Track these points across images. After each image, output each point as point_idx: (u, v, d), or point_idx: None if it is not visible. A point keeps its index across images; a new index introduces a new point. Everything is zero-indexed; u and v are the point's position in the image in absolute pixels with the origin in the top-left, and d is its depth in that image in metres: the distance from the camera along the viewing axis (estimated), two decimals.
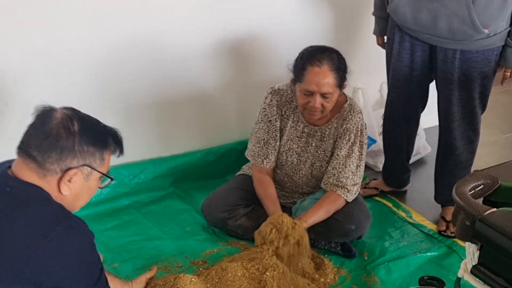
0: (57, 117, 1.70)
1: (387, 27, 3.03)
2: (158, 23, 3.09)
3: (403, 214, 3.29)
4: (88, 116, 1.80)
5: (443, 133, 3.07)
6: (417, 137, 3.64)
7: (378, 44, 3.21)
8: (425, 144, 3.87)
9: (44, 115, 1.71)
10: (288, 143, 2.89)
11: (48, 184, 1.69)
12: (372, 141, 3.69)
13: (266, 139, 2.88)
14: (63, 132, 1.68)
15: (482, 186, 1.64)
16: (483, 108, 2.97)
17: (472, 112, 2.93)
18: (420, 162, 3.85)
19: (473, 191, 1.63)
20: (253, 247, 2.71)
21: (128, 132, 3.21)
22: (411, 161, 3.66)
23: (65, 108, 1.75)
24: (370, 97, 3.80)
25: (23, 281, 1.61)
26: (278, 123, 2.87)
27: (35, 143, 1.68)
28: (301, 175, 2.95)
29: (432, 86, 3.06)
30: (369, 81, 3.75)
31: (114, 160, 3.15)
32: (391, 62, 3.05)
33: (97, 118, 1.82)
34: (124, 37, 3.05)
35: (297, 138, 2.88)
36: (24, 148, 1.69)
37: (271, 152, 2.89)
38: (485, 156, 3.85)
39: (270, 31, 3.41)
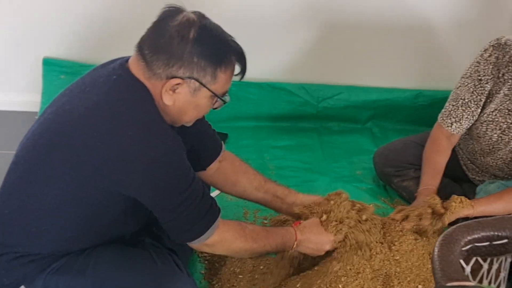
0: (178, 19, 1.55)
1: None
2: None
3: None
4: (215, 26, 1.59)
5: None
6: None
7: None
8: None
9: (169, 14, 1.58)
10: (493, 113, 2.24)
11: (152, 87, 1.58)
12: None
13: (467, 100, 2.27)
14: (176, 36, 1.53)
15: (506, 240, 0.99)
16: None
17: None
18: None
19: (487, 243, 0.98)
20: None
21: (323, 50, 2.97)
22: None
23: (193, 12, 1.58)
24: None
25: (86, 172, 1.54)
26: (489, 86, 2.23)
27: (149, 41, 1.57)
28: (497, 156, 2.29)
29: None
30: None
31: (302, 75, 2.96)
32: None
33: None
34: None
35: (507, 111, 2.21)
36: (141, 44, 1.59)
37: (467, 118, 2.28)
38: None
39: None
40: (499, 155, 2.29)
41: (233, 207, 2.42)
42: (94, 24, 2.83)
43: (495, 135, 2.26)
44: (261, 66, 2.79)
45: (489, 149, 2.31)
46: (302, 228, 1.88)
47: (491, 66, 2.21)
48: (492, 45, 2.21)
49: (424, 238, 2.13)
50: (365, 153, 2.83)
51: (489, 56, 2.21)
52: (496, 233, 1.03)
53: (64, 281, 1.67)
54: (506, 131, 2.24)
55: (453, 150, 2.43)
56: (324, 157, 2.81)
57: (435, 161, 2.31)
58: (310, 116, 2.98)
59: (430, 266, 2.09)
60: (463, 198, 2.13)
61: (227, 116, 2.81)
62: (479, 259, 1.06)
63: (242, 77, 1.65)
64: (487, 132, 2.28)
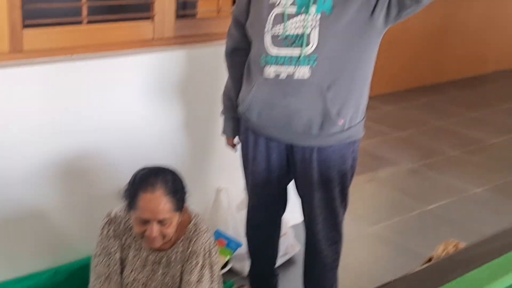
0: None
1: (240, 127, 2.90)
2: None
3: None
4: None
5: (309, 236, 2.95)
6: (284, 237, 3.52)
7: (228, 144, 3.08)
8: (293, 242, 3.72)
9: None
10: (132, 274, 2.60)
11: None
12: (237, 245, 3.49)
13: (107, 274, 2.58)
14: None
15: None
16: (345, 206, 2.88)
17: (334, 212, 2.83)
18: (290, 262, 3.68)
19: None
20: None
21: None
22: (279, 262, 3.52)
23: None
24: (235, 196, 3.63)
25: None
26: (118, 255, 2.59)
27: None
28: None
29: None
30: (233, 180, 3.58)
31: None
32: (249, 168, 2.92)
33: None
34: None
35: (141, 268, 2.60)
36: None
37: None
38: (355, 251, 3.79)
39: (118, 139, 3.21)
40: None
41: None
42: None
43: None
44: None
45: None
46: None
47: (113, 239, 2.58)
48: (106, 222, 2.60)
49: None
50: None
51: (107, 233, 2.58)
52: None
53: None
54: (148, 283, 2.59)
55: None
56: None
57: None
58: None
59: None
60: None
61: None
62: None
63: None
64: None
